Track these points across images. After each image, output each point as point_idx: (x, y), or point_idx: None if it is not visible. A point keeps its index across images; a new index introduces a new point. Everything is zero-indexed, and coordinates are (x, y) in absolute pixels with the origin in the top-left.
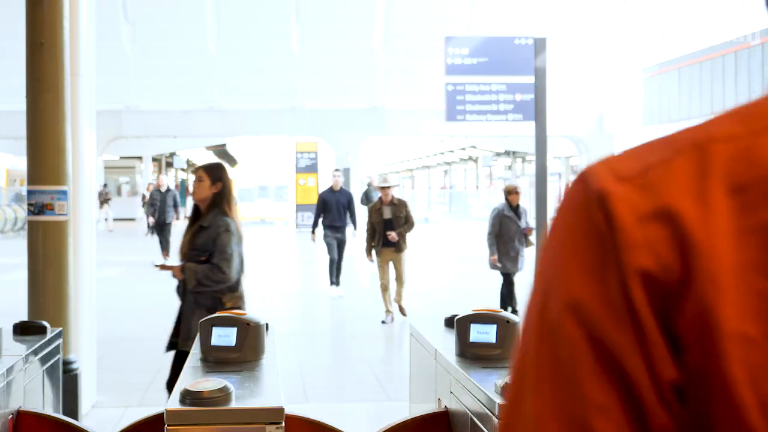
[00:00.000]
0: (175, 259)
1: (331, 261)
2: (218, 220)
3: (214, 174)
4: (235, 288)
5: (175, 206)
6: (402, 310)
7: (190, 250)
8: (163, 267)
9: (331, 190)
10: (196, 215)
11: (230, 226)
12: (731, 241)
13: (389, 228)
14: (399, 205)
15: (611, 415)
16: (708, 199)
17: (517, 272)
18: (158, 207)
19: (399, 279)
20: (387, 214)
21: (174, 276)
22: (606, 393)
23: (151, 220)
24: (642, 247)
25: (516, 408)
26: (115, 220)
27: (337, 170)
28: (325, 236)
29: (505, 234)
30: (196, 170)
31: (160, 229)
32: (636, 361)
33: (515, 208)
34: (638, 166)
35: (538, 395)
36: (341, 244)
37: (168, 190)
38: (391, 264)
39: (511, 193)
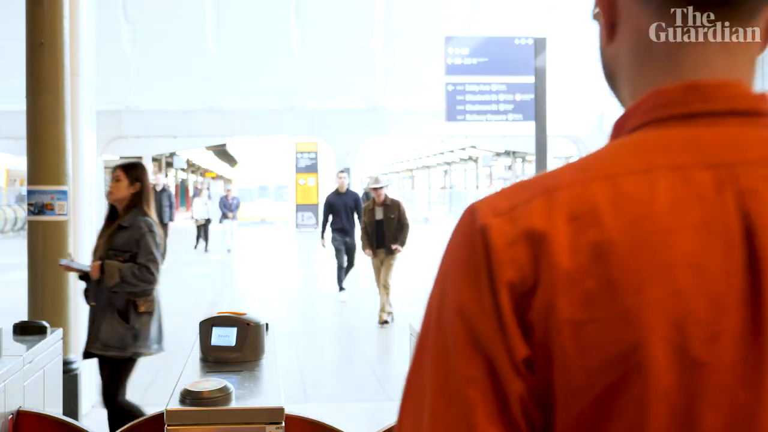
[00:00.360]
0: (85, 261)
1: (339, 267)
2: (138, 220)
3: (133, 174)
4: (150, 291)
5: (171, 206)
6: (382, 322)
7: (107, 251)
8: (68, 268)
9: (336, 192)
10: (112, 216)
11: (152, 226)
12: (568, 254)
13: (380, 229)
14: (391, 206)
15: (478, 384)
16: (553, 226)
17: None
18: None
19: (385, 286)
20: (379, 215)
21: (84, 276)
22: (475, 368)
23: None
24: (508, 264)
25: (417, 376)
26: None
27: (342, 171)
28: (333, 240)
29: None
30: (114, 170)
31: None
32: (498, 346)
33: None
34: (508, 204)
35: (433, 368)
36: (351, 249)
37: (163, 190)
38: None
39: None
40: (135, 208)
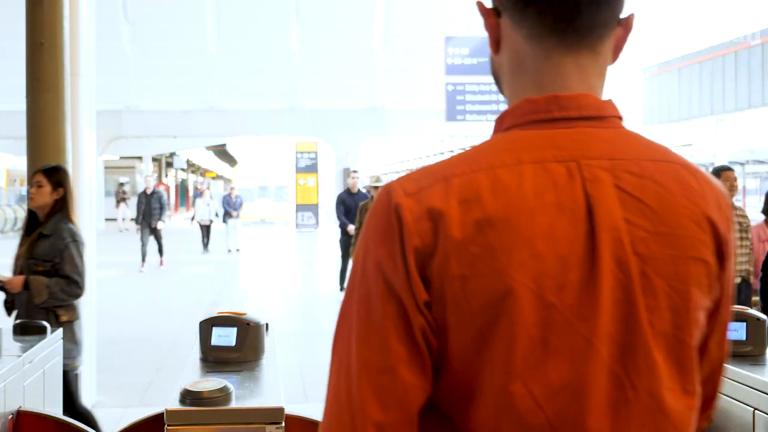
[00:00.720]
0: (6, 272)
1: (344, 267)
2: (61, 228)
3: (55, 178)
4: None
5: (161, 209)
6: None
7: (28, 260)
8: None
9: (348, 192)
10: (33, 223)
11: (76, 235)
12: (458, 228)
13: None
14: None
15: (391, 317)
16: (448, 206)
17: None
18: (144, 210)
19: None
20: None
21: (6, 289)
22: (389, 307)
23: (137, 225)
24: (415, 234)
25: (346, 312)
26: (113, 220)
27: (355, 171)
28: (342, 239)
29: None
30: (34, 174)
31: (146, 233)
32: (406, 292)
33: None
34: (416, 187)
35: (359, 306)
36: None
37: (154, 192)
38: None
39: None
40: (58, 215)
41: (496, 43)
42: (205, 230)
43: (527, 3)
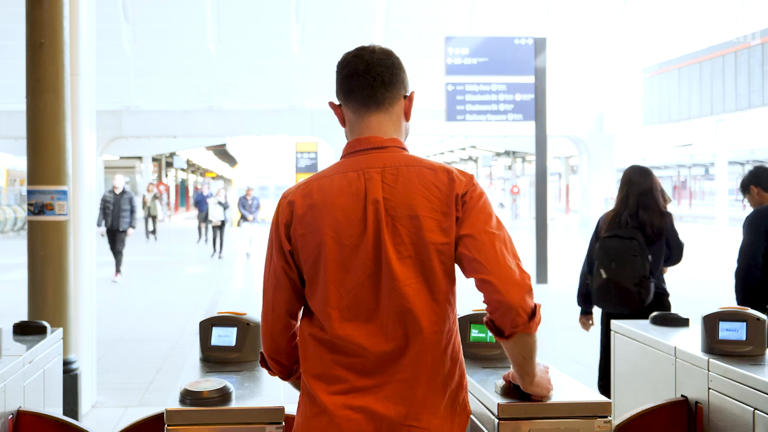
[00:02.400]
0: None
1: None
2: None
3: None
4: None
5: (132, 212)
6: None
7: None
8: None
9: None
10: None
11: None
12: (300, 209)
13: None
14: None
15: (274, 252)
16: (296, 198)
17: None
18: (111, 212)
19: None
20: None
21: None
22: (275, 250)
23: (102, 228)
24: (283, 215)
25: (266, 254)
26: None
27: None
28: None
29: None
30: None
31: (111, 238)
32: (279, 244)
33: None
34: (293, 190)
35: (267, 254)
36: None
37: (123, 192)
38: None
39: None
40: None
41: (342, 119)
42: (218, 231)
43: (347, 96)
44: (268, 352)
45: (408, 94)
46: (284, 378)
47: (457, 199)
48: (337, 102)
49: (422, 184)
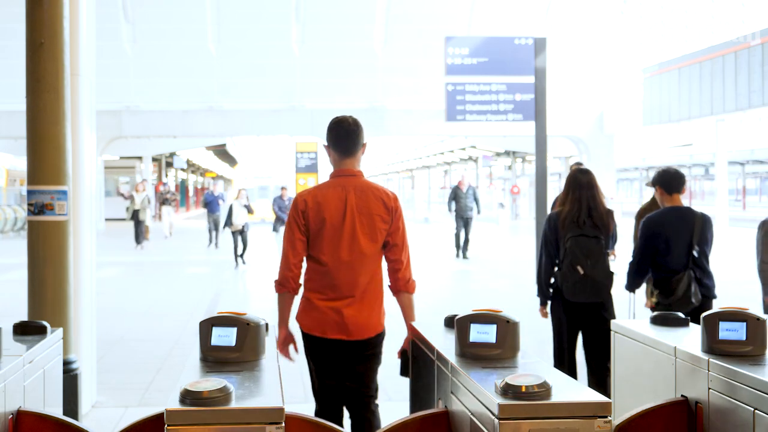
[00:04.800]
0: None
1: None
2: None
3: None
4: None
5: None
6: None
7: None
8: None
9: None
10: None
11: None
12: (311, 204)
13: None
14: None
15: (294, 228)
16: (309, 199)
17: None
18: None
19: None
20: None
21: None
22: (295, 226)
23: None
24: (302, 204)
25: (286, 231)
26: (113, 220)
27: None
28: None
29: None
30: None
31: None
32: (299, 223)
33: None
34: (305, 193)
35: (288, 228)
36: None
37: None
38: None
39: None
40: None
41: (330, 156)
42: (240, 236)
43: (334, 146)
44: (288, 275)
45: (364, 143)
46: (293, 292)
47: (390, 208)
48: (326, 144)
49: (374, 197)
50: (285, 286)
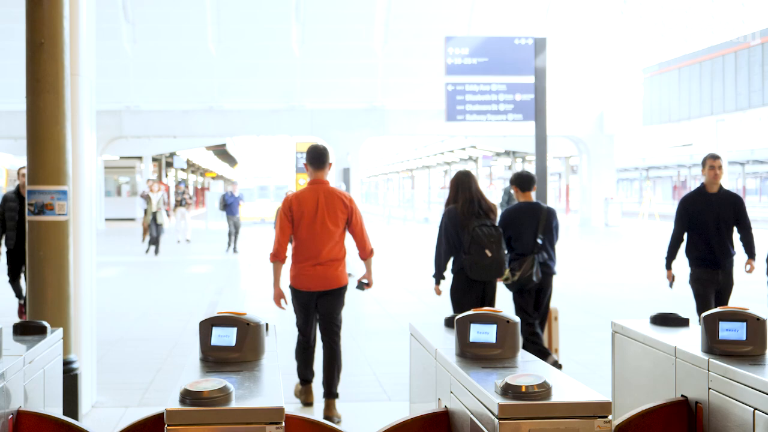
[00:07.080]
0: None
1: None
2: None
3: None
4: None
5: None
6: None
7: None
8: None
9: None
10: None
11: None
12: (296, 203)
13: None
14: None
15: (283, 222)
16: (294, 199)
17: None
18: (16, 220)
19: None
20: None
21: None
22: (285, 219)
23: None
24: (289, 203)
25: (278, 220)
26: (113, 220)
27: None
28: None
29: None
30: None
31: (13, 256)
32: (285, 216)
33: None
34: (291, 196)
35: (278, 222)
36: None
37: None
38: None
39: None
40: None
41: (308, 171)
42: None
43: (311, 164)
44: (279, 249)
45: (330, 162)
46: (282, 261)
47: (347, 205)
48: (305, 162)
49: (336, 198)
50: (277, 257)
